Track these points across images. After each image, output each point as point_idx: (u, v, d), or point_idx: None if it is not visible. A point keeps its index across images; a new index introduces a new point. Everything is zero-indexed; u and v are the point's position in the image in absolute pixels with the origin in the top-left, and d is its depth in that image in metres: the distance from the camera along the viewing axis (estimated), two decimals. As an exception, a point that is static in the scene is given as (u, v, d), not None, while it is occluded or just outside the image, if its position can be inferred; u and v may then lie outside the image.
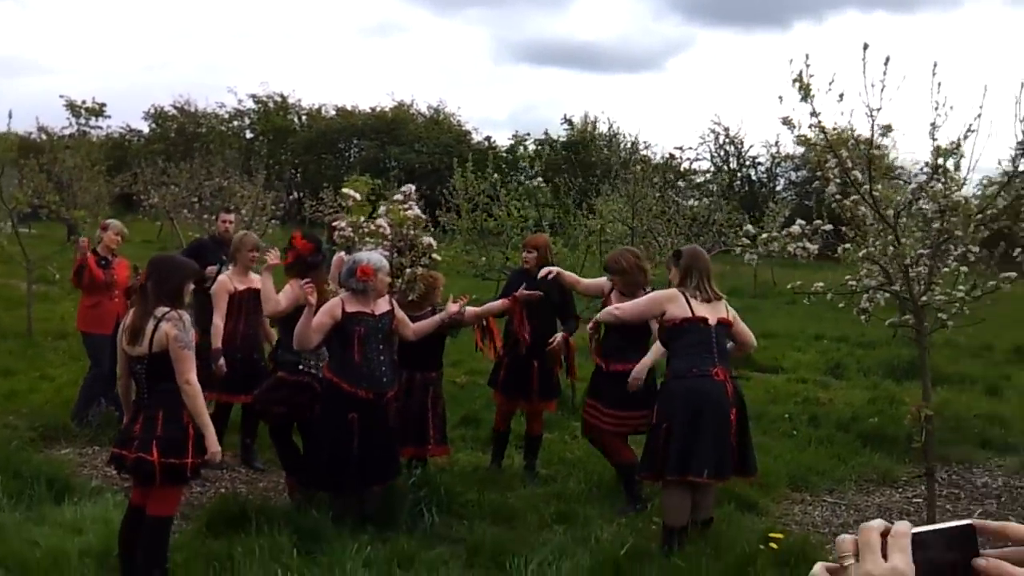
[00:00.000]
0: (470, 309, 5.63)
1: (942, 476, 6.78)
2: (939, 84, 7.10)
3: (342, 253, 5.77)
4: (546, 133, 39.31)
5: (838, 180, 7.12)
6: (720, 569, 4.36)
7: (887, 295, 7.47)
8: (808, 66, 6.72)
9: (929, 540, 0.90)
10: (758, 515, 5.80)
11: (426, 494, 5.47)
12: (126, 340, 4.31)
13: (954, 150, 6.46)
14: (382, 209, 5.61)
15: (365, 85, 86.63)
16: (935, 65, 7.13)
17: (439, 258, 5.64)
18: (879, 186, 6.71)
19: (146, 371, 4.24)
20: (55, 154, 16.00)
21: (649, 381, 5.68)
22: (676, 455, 4.82)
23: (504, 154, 37.96)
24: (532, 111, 72.55)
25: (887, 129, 6.58)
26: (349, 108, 43.23)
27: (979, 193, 7.12)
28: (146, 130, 42.98)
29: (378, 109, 42.02)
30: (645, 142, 38.42)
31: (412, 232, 5.48)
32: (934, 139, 7.06)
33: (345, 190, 5.62)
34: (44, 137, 34.01)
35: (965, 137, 6.48)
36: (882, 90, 6.45)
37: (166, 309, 4.25)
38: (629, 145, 37.30)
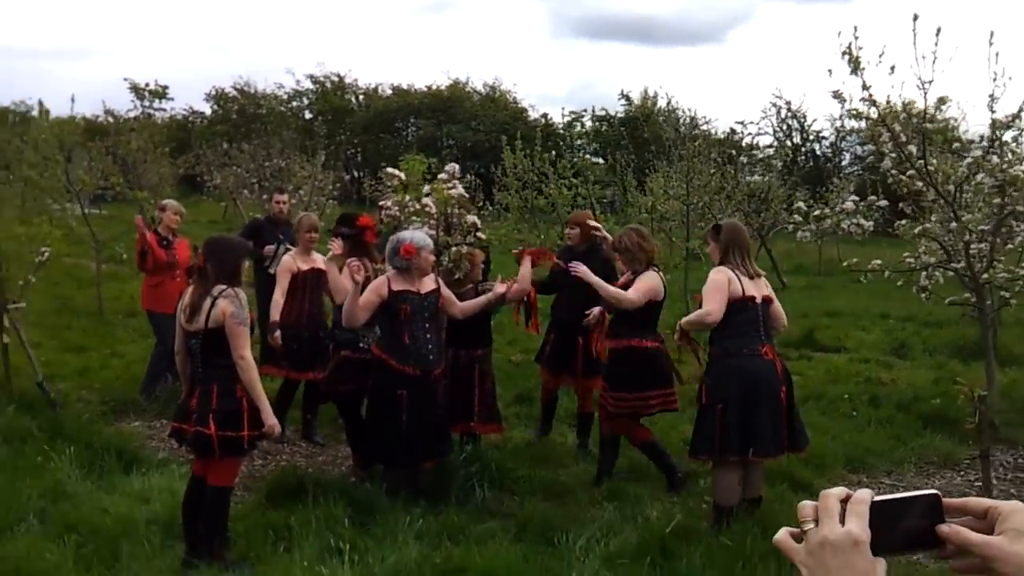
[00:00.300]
0: (513, 287, 5.66)
1: (1007, 460, 6.62)
2: (996, 54, 6.92)
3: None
4: (603, 109, 39.03)
5: (893, 155, 7.00)
6: (766, 549, 4.35)
7: (947, 273, 7.32)
8: (857, 38, 6.61)
9: (895, 507, 0.92)
10: (811, 496, 5.73)
11: (477, 470, 5.56)
12: (184, 317, 4.47)
13: (1010, 122, 6.28)
14: (426, 188, 5.68)
15: (421, 63, 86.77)
16: (992, 35, 6.95)
17: (484, 236, 5.68)
18: (934, 160, 6.56)
19: (201, 346, 4.39)
20: (120, 136, 16.43)
21: (656, 365, 5.56)
22: (736, 435, 4.82)
23: (561, 131, 37.80)
24: (591, 88, 71.79)
25: (941, 101, 6.44)
26: (405, 87, 43.48)
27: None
28: (208, 112, 43.79)
29: (434, 87, 42.18)
30: (704, 117, 37.70)
31: (457, 211, 5.53)
32: (992, 111, 6.88)
33: (390, 170, 5.70)
34: (111, 120, 35.04)
35: (1022, 108, 6.29)
36: (934, 62, 6.31)
37: (223, 287, 4.40)
38: (688, 120, 36.94)
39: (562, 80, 73.21)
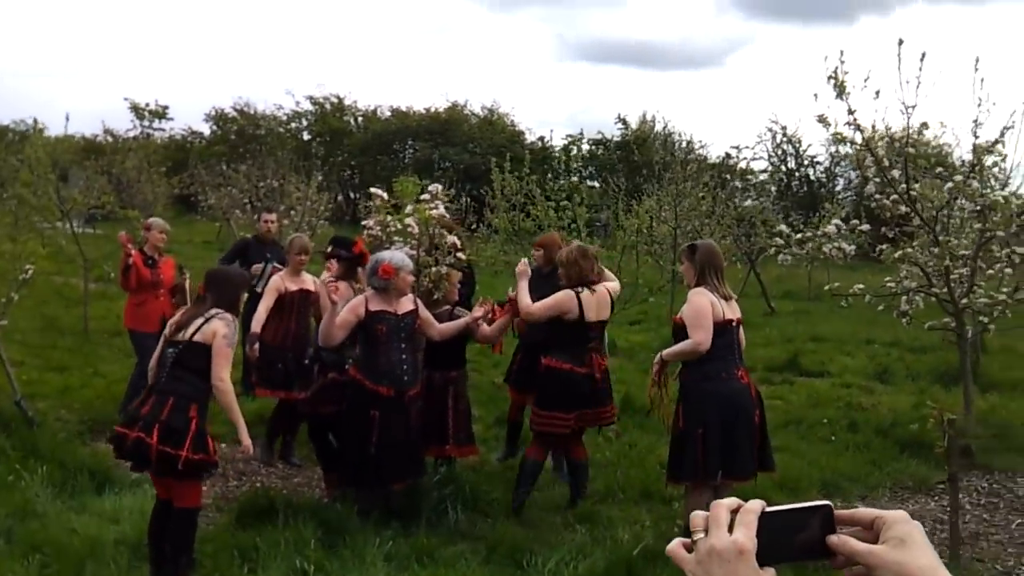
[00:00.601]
0: (484, 328, 5.60)
1: (982, 485, 6.61)
2: (982, 80, 6.97)
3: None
4: (600, 133, 39.17)
5: (876, 179, 7.03)
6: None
7: (929, 298, 7.32)
8: (843, 62, 6.66)
9: (787, 518, 0.94)
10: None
11: (451, 492, 5.54)
12: (170, 330, 4.51)
13: (990, 147, 6.31)
14: (408, 208, 5.70)
15: (421, 86, 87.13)
16: (977, 60, 7.00)
17: (464, 257, 5.69)
18: (917, 185, 6.58)
19: (176, 356, 4.40)
20: (115, 156, 16.49)
21: (570, 387, 5.44)
22: (715, 459, 4.80)
23: (556, 154, 37.92)
24: (590, 111, 72.16)
25: (924, 126, 6.46)
26: (404, 109, 43.65)
27: (1024, 193, 6.89)
28: (207, 132, 43.96)
29: (432, 110, 42.33)
30: (700, 141, 37.82)
31: (438, 231, 5.55)
32: (976, 136, 6.92)
33: (373, 190, 5.73)
34: (110, 139, 35.17)
35: (1002, 134, 6.33)
36: (918, 86, 6.35)
37: (220, 311, 4.46)
38: (684, 144, 37.08)
39: (563, 103, 73.57)
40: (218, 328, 4.41)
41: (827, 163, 33.94)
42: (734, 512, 0.93)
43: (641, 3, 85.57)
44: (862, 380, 10.01)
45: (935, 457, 6.57)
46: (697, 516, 0.94)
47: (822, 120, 6.88)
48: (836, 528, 0.94)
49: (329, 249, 6.29)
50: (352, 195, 38.75)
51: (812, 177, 35.27)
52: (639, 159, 16.94)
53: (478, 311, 5.61)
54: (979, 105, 6.91)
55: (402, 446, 5.17)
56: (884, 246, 7.02)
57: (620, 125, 39.13)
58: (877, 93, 6.66)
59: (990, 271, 7.41)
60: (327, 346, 5.29)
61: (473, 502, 5.59)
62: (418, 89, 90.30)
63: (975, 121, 6.93)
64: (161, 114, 44.89)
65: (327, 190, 19.61)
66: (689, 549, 0.93)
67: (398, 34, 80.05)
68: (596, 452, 7.04)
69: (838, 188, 33.11)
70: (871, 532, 0.94)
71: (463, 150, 37.30)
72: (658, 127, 37.68)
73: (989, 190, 6.21)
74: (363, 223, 6.52)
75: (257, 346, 6.46)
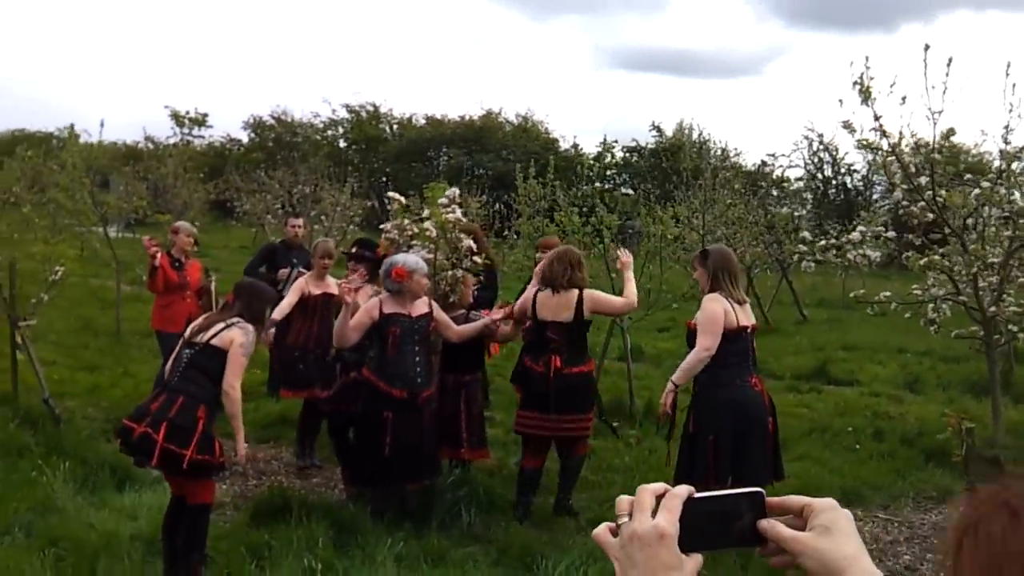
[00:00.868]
0: (503, 328, 5.67)
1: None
2: (1013, 85, 6.85)
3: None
4: (634, 140, 39.10)
5: (904, 186, 6.93)
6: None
7: (957, 305, 7.20)
8: (868, 68, 6.58)
9: (716, 504, 0.93)
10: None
11: (465, 494, 5.54)
12: (190, 332, 4.58)
13: (1018, 153, 6.19)
14: (426, 212, 5.73)
15: (457, 93, 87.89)
16: (1008, 65, 6.88)
17: (480, 261, 5.70)
18: (943, 192, 6.48)
19: (191, 357, 4.47)
20: (151, 161, 16.81)
21: (530, 386, 5.48)
22: (727, 466, 4.75)
23: (592, 161, 37.91)
24: (627, 120, 72.29)
25: (951, 132, 6.36)
26: (439, 117, 44.00)
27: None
28: (245, 139, 44.65)
29: (467, 118, 42.61)
30: (735, 149, 37.54)
31: (453, 235, 5.57)
32: (1007, 142, 6.80)
33: (391, 194, 5.78)
34: (151, 146, 35.82)
35: (1028, 141, 6.20)
36: (944, 92, 6.26)
37: (243, 319, 4.52)
38: (720, 152, 36.83)
39: (599, 112, 73.60)
40: (236, 336, 4.47)
41: (864, 171, 33.49)
42: (659, 497, 0.92)
43: (679, 11, 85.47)
44: (891, 389, 9.84)
45: (960, 467, 6.46)
46: (622, 500, 0.93)
47: (847, 126, 6.81)
48: (767, 515, 0.93)
49: (353, 250, 6.35)
50: (386, 201, 39.06)
51: (849, 185, 34.85)
52: (667, 165, 16.81)
53: (496, 313, 5.64)
54: (1010, 111, 6.81)
55: (415, 447, 5.18)
56: (909, 253, 6.92)
57: (655, 133, 39.05)
58: (904, 99, 6.58)
59: (1022, 279, 7.27)
60: (341, 347, 5.34)
61: (488, 505, 5.58)
62: (453, 97, 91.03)
63: (1006, 127, 6.83)
64: (201, 122, 45.75)
65: (361, 196, 19.81)
66: (615, 534, 0.93)
67: (436, 43, 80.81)
68: (615, 458, 7.01)
69: (875, 196, 32.65)
70: (801, 519, 0.93)
71: (496, 157, 37.46)
72: (693, 135, 37.49)
73: (1018, 196, 6.08)
74: (380, 227, 6.58)
75: (272, 332, 6.45)
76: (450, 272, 5.63)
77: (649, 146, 38.10)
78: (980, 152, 17.99)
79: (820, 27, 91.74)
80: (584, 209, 8.77)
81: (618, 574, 0.90)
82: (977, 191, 6.25)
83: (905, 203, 7.08)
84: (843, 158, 34.25)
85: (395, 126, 45.17)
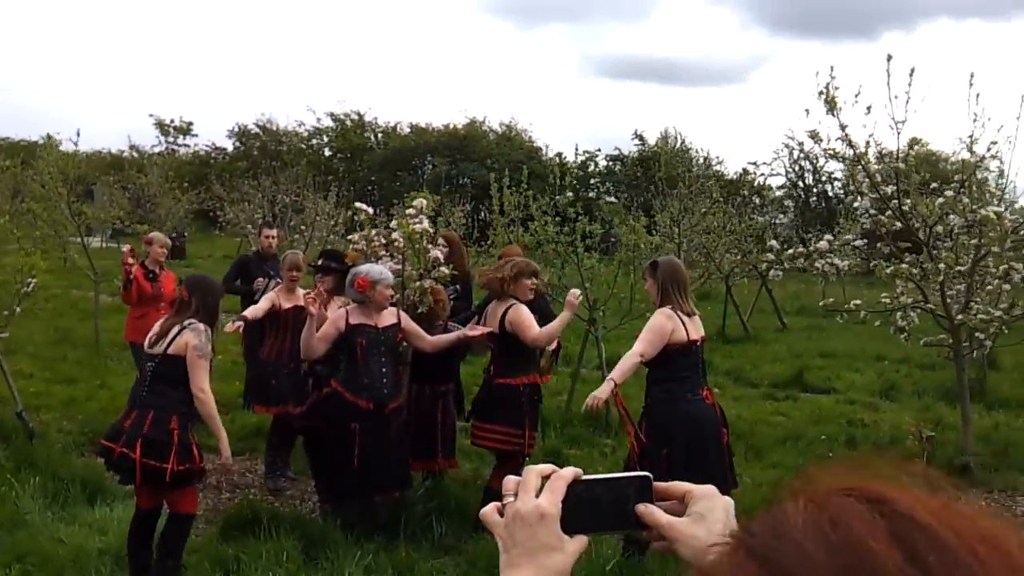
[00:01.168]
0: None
1: (980, 504, 6.53)
2: (977, 95, 6.95)
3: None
4: (617, 149, 39.24)
5: (872, 194, 7.01)
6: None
7: (922, 313, 7.27)
8: (833, 78, 6.67)
9: (604, 487, 0.94)
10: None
11: (436, 505, 5.56)
12: (149, 342, 4.58)
13: (979, 163, 6.28)
14: (393, 223, 5.76)
15: (444, 102, 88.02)
16: (972, 75, 6.98)
17: (446, 271, 5.72)
18: (908, 200, 6.56)
19: (153, 370, 4.48)
20: (131, 171, 16.78)
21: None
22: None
23: (576, 170, 38.02)
24: (612, 128, 72.45)
25: (914, 142, 6.44)
26: (423, 125, 44.03)
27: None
28: (230, 148, 44.52)
29: (451, 126, 42.66)
30: (717, 157, 37.78)
31: (420, 245, 5.59)
32: (971, 152, 6.89)
33: (358, 205, 5.81)
34: (135, 155, 35.67)
35: (988, 149, 6.30)
36: (907, 102, 6.34)
37: (193, 320, 4.52)
38: (701, 160, 36.98)
39: (585, 120, 73.77)
40: (189, 339, 4.47)
41: (845, 179, 33.71)
42: (545, 478, 0.93)
43: (664, 20, 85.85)
44: (867, 396, 9.92)
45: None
46: (509, 480, 0.94)
47: (814, 136, 6.90)
48: (654, 500, 0.94)
49: (319, 262, 6.33)
50: (375, 210, 38.98)
51: (830, 193, 35.09)
52: (642, 175, 16.92)
53: (473, 331, 5.56)
54: (974, 120, 6.90)
55: (384, 459, 5.19)
56: (876, 261, 6.99)
57: (637, 141, 39.21)
58: (868, 109, 6.67)
59: (989, 287, 7.36)
60: (308, 358, 5.35)
61: (460, 516, 5.59)
62: (439, 105, 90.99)
63: (970, 136, 6.92)
64: (185, 130, 45.65)
65: (345, 205, 19.78)
66: (502, 514, 0.94)
67: (422, 52, 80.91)
68: (590, 467, 7.03)
69: (856, 204, 32.84)
70: (682, 506, 0.94)
71: (480, 166, 37.47)
72: (674, 143, 37.66)
73: (979, 205, 6.17)
74: (348, 237, 6.59)
75: (239, 324, 6.23)
76: (417, 283, 5.64)
77: (632, 155, 38.27)
78: (959, 160, 18.16)
79: (803, 36, 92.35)
80: (559, 218, 8.82)
81: (501, 553, 0.91)
82: (941, 200, 6.33)
83: (873, 211, 7.17)
84: (823, 166, 34.51)
85: (380, 135, 45.13)
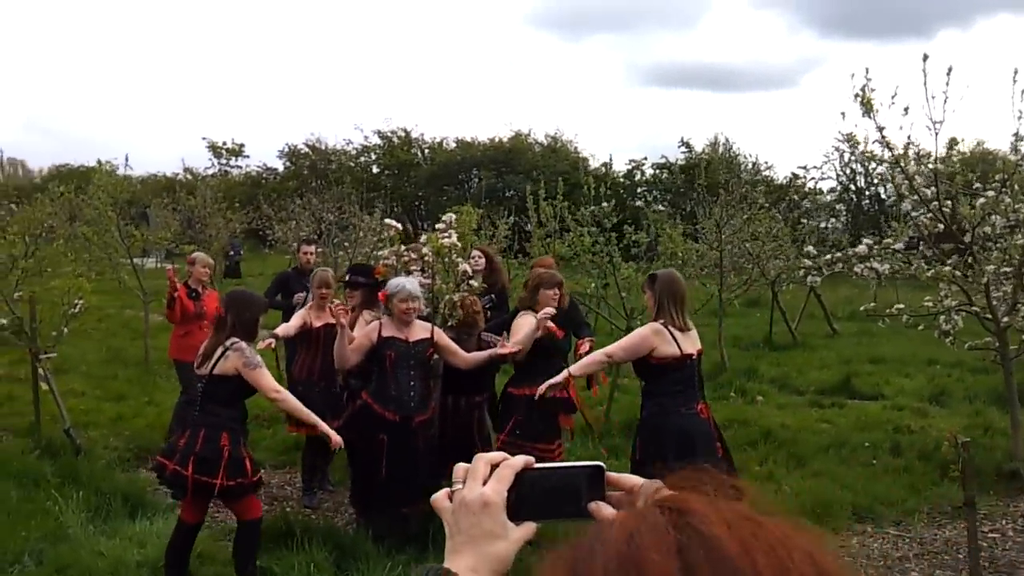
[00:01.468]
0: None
1: (1027, 512, 6.31)
2: (1022, 92, 6.75)
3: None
4: (663, 157, 39.01)
5: (914, 197, 6.86)
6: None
7: (968, 316, 7.07)
8: (869, 80, 6.54)
9: (554, 476, 0.94)
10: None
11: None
12: (197, 362, 4.73)
13: (1021, 161, 6.10)
14: (423, 238, 5.81)
15: (490, 115, 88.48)
16: (1015, 72, 6.79)
17: (476, 284, 5.74)
18: (948, 202, 6.40)
19: (203, 390, 4.64)
20: (181, 193, 17.19)
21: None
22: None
23: (621, 179, 37.86)
24: (661, 136, 72.13)
25: (953, 142, 6.28)
26: (469, 140, 44.34)
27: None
28: (281, 168, 45.34)
29: (496, 140, 42.87)
30: (766, 162, 37.29)
31: (449, 259, 5.63)
32: (1017, 151, 6.71)
33: (388, 221, 5.87)
34: (189, 177, 36.52)
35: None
36: (945, 102, 6.20)
37: (235, 340, 4.63)
38: (750, 166, 36.54)
39: (634, 129, 73.57)
40: (235, 361, 4.59)
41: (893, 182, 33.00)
42: (495, 466, 0.93)
43: (712, 26, 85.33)
44: (916, 402, 9.66)
45: (981, 481, 6.32)
46: (459, 467, 0.95)
47: (849, 139, 6.78)
48: (605, 490, 0.93)
49: (347, 277, 6.39)
50: (421, 224, 39.39)
51: (883, 196, 34.34)
52: (682, 183, 16.77)
53: (503, 350, 5.53)
54: (1019, 118, 6.71)
55: (411, 471, 5.22)
56: (917, 264, 6.83)
57: (683, 149, 38.93)
58: (906, 110, 6.52)
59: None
60: (342, 368, 5.42)
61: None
62: (486, 120, 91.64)
63: (1015, 134, 6.73)
64: (237, 152, 46.62)
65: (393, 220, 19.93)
66: (450, 499, 0.94)
67: (468, 67, 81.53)
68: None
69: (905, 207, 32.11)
70: (632, 498, 0.92)
71: (526, 178, 37.56)
72: (722, 150, 37.30)
73: (1022, 204, 5.99)
74: (377, 253, 6.66)
75: (271, 341, 6.25)
76: (447, 297, 5.67)
77: (678, 162, 38.00)
78: (944, 159, 17.57)
79: (855, 37, 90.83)
80: (598, 228, 8.79)
81: (447, 539, 0.92)
82: (982, 200, 6.16)
83: (914, 213, 7.01)
84: (875, 169, 33.79)
85: (426, 150, 45.56)
